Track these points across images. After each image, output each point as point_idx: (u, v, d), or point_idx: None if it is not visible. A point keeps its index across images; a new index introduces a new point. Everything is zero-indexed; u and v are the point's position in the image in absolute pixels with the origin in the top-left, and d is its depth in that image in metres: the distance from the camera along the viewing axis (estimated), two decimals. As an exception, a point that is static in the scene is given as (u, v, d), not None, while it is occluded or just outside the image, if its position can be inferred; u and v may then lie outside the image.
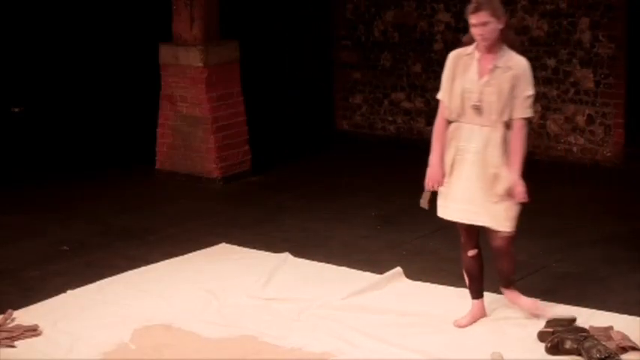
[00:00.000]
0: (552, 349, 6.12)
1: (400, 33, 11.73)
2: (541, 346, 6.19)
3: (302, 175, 10.37)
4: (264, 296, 7.12)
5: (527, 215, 8.91)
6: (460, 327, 6.55)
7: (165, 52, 10.30)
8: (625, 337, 6.17)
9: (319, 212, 9.09)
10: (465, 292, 7.10)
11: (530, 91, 6.24)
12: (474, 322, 6.60)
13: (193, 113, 10.17)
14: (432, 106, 11.57)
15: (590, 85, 10.59)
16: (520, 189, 6.39)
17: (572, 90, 10.71)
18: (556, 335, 6.16)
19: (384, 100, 11.92)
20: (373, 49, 11.90)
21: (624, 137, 10.50)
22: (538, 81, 10.82)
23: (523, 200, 6.40)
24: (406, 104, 11.77)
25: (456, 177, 6.38)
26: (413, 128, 11.73)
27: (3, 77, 11.40)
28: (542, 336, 6.27)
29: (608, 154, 10.56)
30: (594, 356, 5.95)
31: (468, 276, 6.66)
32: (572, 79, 10.69)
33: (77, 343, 6.40)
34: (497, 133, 6.29)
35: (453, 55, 6.42)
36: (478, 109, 6.25)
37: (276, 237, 8.42)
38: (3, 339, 6.42)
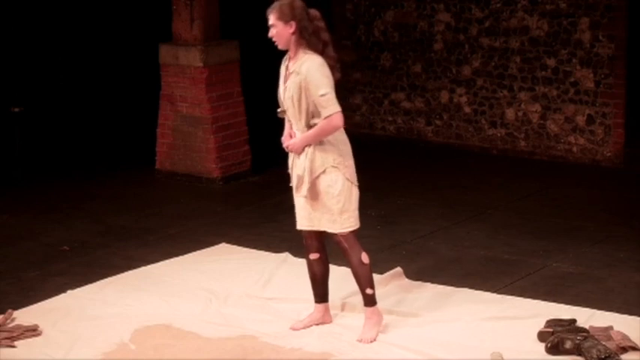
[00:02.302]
0: (552, 349, 6.12)
1: (400, 33, 11.73)
2: (541, 346, 6.19)
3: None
4: (264, 296, 7.13)
5: (527, 215, 8.96)
6: (295, 330, 6.54)
7: (166, 52, 10.30)
8: (625, 337, 6.17)
9: (319, 212, 9.08)
10: (465, 293, 7.11)
11: (322, 90, 6.12)
12: (311, 325, 6.58)
13: (193, 113, 10.17)
14: (432, 106, 11.60)
15: (590, 85, 10.60)
16: (292, 141, 6.31)
17: (572, 90, 10.71)
18: (556, 335, 6.17)
19: (384, 100, 11.92)
20: (373, 49, 11.90)
21: (624, 137, 10.51)
22: (538, 81, 10.87)
23: (285, 147, 6.38)
24: (406, 104, 11.78)
25: (292, 185, 6.44)
26: (413, 128, 11.74)
27: (3, 77, 11.40)
28: (542, 336, 6.27)
29: (608, 154, 10.56)
30: (594, 356, 5.95)
31: (311, 279, 6.64)
32: (572, 79, 10.70)
33: (77, 343, 6.40)
34: None
35: (281, 64, 6.43)
36: (285, 115, 6.35)
37: (276, 237, 8.42)
38: (3, 339, 6.41)
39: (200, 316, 6.80)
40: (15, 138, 10.74)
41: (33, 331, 6.56)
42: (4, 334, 6.46)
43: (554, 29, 10.73)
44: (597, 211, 9.02)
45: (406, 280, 7.34)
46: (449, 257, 7.96)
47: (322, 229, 6.38)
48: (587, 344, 6.03)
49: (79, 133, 11.85)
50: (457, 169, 10.65)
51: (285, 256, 7.89)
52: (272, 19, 6.22)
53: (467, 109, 11.37)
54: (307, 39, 6.21)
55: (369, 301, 6.44)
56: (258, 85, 11.42)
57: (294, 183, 6.40)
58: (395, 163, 10.75)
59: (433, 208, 9.14)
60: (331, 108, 6.16)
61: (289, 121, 6.41)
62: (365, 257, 6.39)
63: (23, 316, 6.78)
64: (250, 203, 9.51)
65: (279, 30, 6.22)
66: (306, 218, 6.39)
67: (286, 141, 6.41)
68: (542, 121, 10.91)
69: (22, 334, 6.50)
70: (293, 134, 6.37)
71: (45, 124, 11.64)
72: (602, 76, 10.51)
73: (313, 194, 6.29)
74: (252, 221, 8.93)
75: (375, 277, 7.17)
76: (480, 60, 11.21)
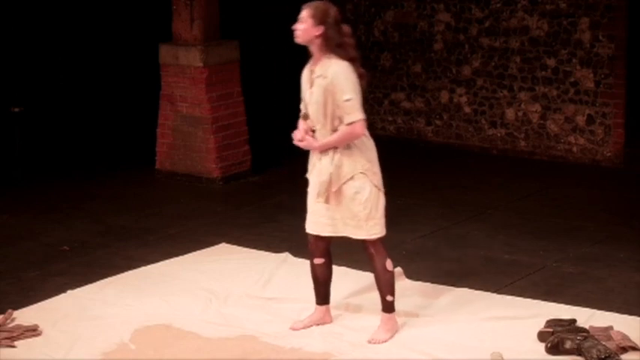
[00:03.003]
0: (552, 349, 6.12)
1: (400, 33, 11.73)
2: (541, 346, 6.19)
3: (302, 175, 10.33)
4: (264, 296, 7.13)
5: (527, 215, 8.96)
6: (295, 330, 6.53)
7: (166, 52, 10.30)
8: (625, 337, 6.17)
9: (319, 212, 9.08)
10: (465, 293, 7.11)
11: (347, 95, 6.13)
12: (311, 326, 6.58)
13: (193, 113, 10.17)
14: (432, 106, 11.60)
15: (590, 85, 10.60)
16: (305, 142, 6.26)
17: (572, 90, 10.71)
18: (556, 335, 6.17)
19: (384, 100, 11.92)
20: (373, 49, 11.90)
21: (624, 137, 10.51)
22: (538, 81, 10.87)
23: (296, 141, 6.32)
24: (406, 104, 11.78)
25: (310, 190, 6.41)
26: (413, 128, 11.74)
27: (3, 77, 11.40)
28: (542, 336, 6.27)
29: (608, 154, 10.56)
30: (594, 356, 5.95)
31: (314, 282, 6.63)
32: (572, 79, 10.70)
33: (77, 343, 6.40)
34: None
35: (305, 69, 6.41)
36: (306, 118, 6.28)
37: (276, 237, 8.42)
38: (3, 339, 6.41)
39: (200, 316, 6.80)
40: (15, 138, 10.74)
41: (33, 331, 6.56)
42: (4, 334, 6.46)
43: (554, 29, 10.73)
44: (597, 211, 9.02)
45: (406, 280, 7.34)
46: (449, 257, 7.96)
47: (346, 235, 6.34)
48: (587, 344, 6.03)
49: (79, 133, 11.85)
50: (457, 169, 10.65)
51: (285, 256, 7.89)
52: (304, 13, 6.19)
53: (467, 109, 11.37)
54: (331, 49, 6.18)
55: (388, 307, 6.44)
56: (258, 85, 11.44)
57: (314, 188, 6.34)
58: (395, 163, 10.71)
59: (433, 208, 9.14)
60: (354, 115, 6.16)
61: (307, 123, 6.33)
62: (389, 264, 6.39)
63: (23, 316, 6.78)
64: (250, 203, 9.51)
65: (307, 27, 6.18)
66: (329, 225, 6.34)
67: (299, 134, 6.32)
68: (542, 121, 10.91)
69: (22, 334, 6.50)
70: (310, 133, 6.29)
71: (45, 124, 11.64)
72: (602, 76, 10.51)
73: (338, 200, 6.25)
74: (252, 221, 8.93)
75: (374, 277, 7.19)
76: (480, 60, 11.21)
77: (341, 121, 6.20)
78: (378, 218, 6.29)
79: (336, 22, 6.20)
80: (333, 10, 6.22)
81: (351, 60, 6.23)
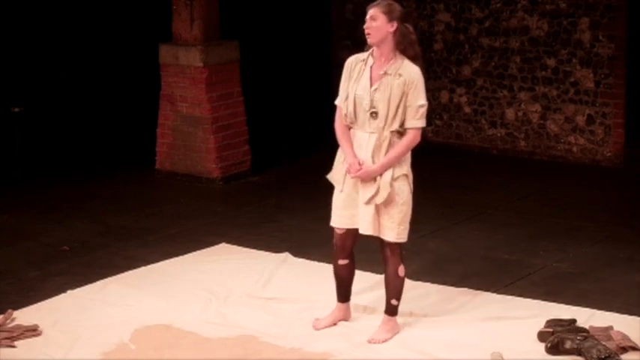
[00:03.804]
0: (552, 349, 6.12)
1: (400, 33, 11.71)
2: (541, 346, 6.19)
3: (302, 175, 10.37)
4: (264, 296, 7.13)
5: (527, 215, 8.96)
6: (317, 329, 6.52)
7: (166, 52, 10.30)
8: (625, 337, 6.17)
9: (319, 212, 9.03)
10: (465, 293, 7.11)
11: (422, 100, 6.12)
12: (334, 323, 6.57)
13: (193, 113, 10.17)
14: (432, 106, 11.58)
15: (590, 85, 10.60)
16: (362, 170, 6.14)
17: (572, 90, 10.72)
18: (556, 335, 6.17)
19: (384, 100, 11.91)
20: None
21: (624, 137, 10.51)
22: (538, 81, 10.88)
23: (351, 174, 6.20)
24: (406, 104, 11.76)
25: (347, 185, 6.30)
26: (413, 128, 11.72)
27: (3, 77, 11.39)
28: (542, 336, 6.27)
29: (608, 154, 10.56)
30: (594, 356, 5.95)
31: (337, 281, 6.59)
32: (572, 79, 10.70)
33: (77, 343, 6.40)
34: (385, 142, 6.18)
35: (348, 61, 6.34)
36: (374, 116, 6.17)
37: (276, 237, 8.42)
38: (3, 339, 6.41)
39: (200, 316, 6.80)
40: (15, 138, 10.74)
41: (33, 331, 6.56)
42: (4, 334, 6.46)
43: (554, 29, 10.74)
44: (597, 211, 9.03)
45: (406, 280, 7.33)
46: (449, 257, 7.96)
47: (383, 236, 6.28)
48: (587, 344, 6.03)
49: (79, 133, 11.85)
50: (457, 169, 10.65)
51: (285, 256, 7.89)
52: (375, 11, 6.12)
53: (467, 109, 11.37)
54: (404, 45, 6.15)
55: (391, 310, 6.44)
56: (258, 85, 11.44)
57: (365, 189, 6.22)
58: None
59: (433, 208, 9.14)
60: (422, 121, 6.16)
61: (349, 150, 6.26)
62: (402, 270, 6.38)
63: (23, 316, 6.78)
64: (250, 203, 9.51)
65: (380, 24, 6.11)
66: (371, 224, 6.25)
67: (354, 168, 6.19)
68: (542, 121, 10.92)
69: (22, 334, 6.50)
70: (361, 161, 6.20)
71: (45, 124, 11.63)
72: (602, 76, 10.51)
73: (387, 200, 6.19)
74: (252, 221, 8.93)
75: (375, 277, 7.19)
76: (480, 60, 11.21)
77: (402, 124, 6.15)
78: (407, 223, 6.29)
79: (403, 18, 6.18)
80: (399, 6, 6.20)
81: (417, 55, 6.20)
